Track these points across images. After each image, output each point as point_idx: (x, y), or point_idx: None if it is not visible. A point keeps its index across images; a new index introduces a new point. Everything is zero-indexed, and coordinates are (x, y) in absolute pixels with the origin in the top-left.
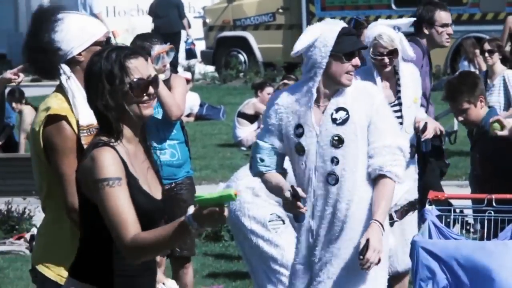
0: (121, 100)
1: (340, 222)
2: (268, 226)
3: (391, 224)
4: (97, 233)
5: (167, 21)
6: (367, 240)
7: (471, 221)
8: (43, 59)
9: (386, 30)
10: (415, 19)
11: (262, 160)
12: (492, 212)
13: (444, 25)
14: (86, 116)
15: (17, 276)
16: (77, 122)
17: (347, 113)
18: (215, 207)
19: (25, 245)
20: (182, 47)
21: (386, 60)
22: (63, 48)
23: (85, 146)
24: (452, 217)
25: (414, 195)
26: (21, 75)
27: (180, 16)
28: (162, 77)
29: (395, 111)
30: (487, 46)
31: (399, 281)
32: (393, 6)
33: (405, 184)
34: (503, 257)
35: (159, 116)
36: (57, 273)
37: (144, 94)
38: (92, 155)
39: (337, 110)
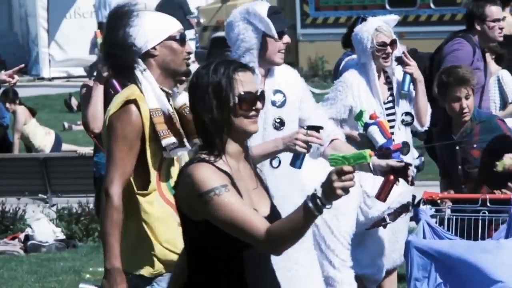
0: (227, 114)
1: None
2: None
3: (384, 226)
4: (204, 251)
5: None
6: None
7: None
8: (118, 54)
9: (382, 23)
10: (399, 17)
11: None
12: (487, 212)
13: (496, 20)
14: (168, 106)
15: (12, 276)
16: (150, 109)
17: (284, 96)
18: (346, 168)
19: (19, 245)
20: (192, 45)
21: (389, 49)
22: (138, 43)
23: (157, 126)
24: (446, 217)
25: (407, 197)
26: (16, 76)
27: (185, 16)
28: None
29: (389, 108)
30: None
31: (387, 277)
32: (387, 6)
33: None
34: (497, 256)
35: None
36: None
37: (252, 108)
38: (187, 172)
39: (274, 92)
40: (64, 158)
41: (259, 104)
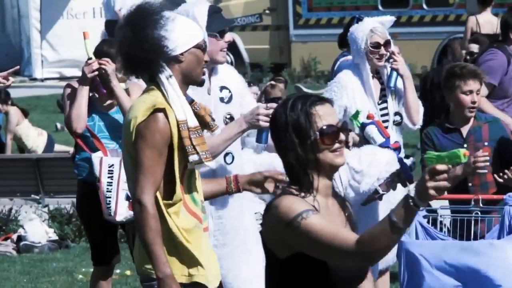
0: (312, 150)
1: (239, 200)
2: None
3: (380, 198)
4: None
5: None
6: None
7: (446, 221)
8: (145, 54)
9: (377, 23)
10: (395, 18)
11: None
12: (479, 213)
13: None
14: (193, 117)
15: (4, 277)
16: (177, 121)
17: (230, 91)
18: (440, 167)
19: (12, 246)
20: None
21: (383, 50)
22: (169, 45)
23: (197, 147)
24: (439, 218)
25: (394, 165)
26: (11, 78)
27: None
28: (123, 86)
29: (383, 109)
30: (469, 48)
31: (380, 277)
32: (380, 7)
33: (383, 155)
34: (490, 256)
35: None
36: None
37: (335, 141)
38: (274, 204)
39: (221, 89)
40: (56, 159)
41: (342, 136)
